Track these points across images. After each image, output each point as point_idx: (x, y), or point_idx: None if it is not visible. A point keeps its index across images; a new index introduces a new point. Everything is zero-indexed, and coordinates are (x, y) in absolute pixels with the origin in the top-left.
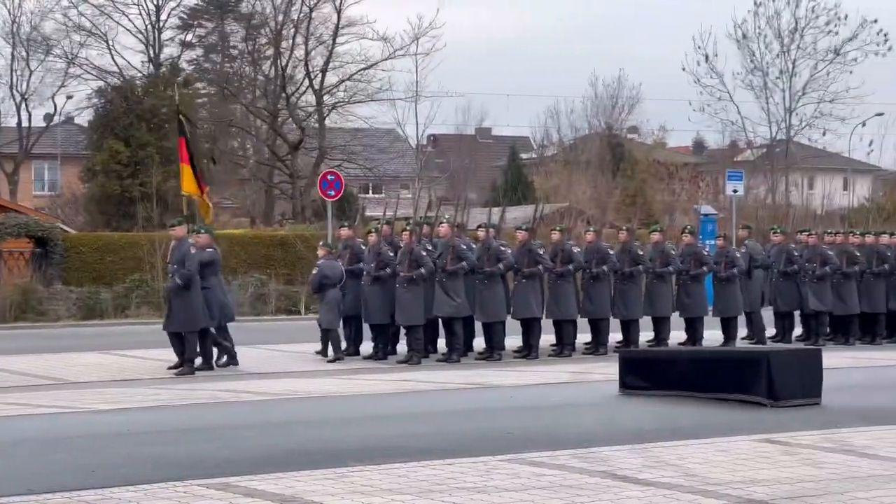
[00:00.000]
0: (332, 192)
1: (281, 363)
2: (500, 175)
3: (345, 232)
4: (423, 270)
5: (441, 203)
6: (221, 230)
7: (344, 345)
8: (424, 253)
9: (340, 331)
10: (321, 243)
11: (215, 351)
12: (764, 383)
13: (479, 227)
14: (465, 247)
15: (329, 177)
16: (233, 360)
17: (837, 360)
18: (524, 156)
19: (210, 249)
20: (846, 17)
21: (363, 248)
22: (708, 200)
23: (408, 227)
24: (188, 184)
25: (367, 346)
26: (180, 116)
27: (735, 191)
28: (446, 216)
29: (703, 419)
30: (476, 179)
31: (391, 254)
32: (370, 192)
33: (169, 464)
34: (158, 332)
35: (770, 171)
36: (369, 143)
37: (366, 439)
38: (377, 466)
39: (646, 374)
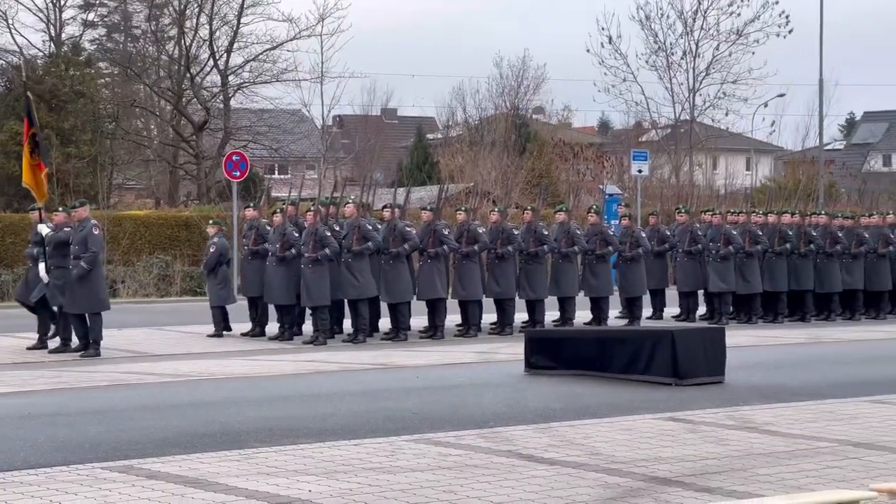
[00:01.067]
0: (238, 173)
1: (185, 345)
2: (406, 155)
3: (249, 213)
4: (327, 251)
5: (346, 183)
6: (126, 211)
7: (249, 326)
8: (329, 233)
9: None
10: (210, 222)
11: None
12: (668, 362)
13: (385, 207)
14: (370, 227)
15: (234, 157)
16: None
17: (740, 339)
18: (430, 136)
19: (67, 229)
20: None
21: (268, 228)
22: (613, 181)
23: (312, 208)
24: (27, 175)
25: (272, 327)
26: (27, 94)
27: (640, 171)
28: (352, 197)
29: (608, 398)
30: (382, 160)
31: (296, 234)
32: (276, 172)
33: (71, 447)
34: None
35: (674, 152)
36: (275, 124)
37: (270, 420)
38: (282, 447)
39: (551, 353)
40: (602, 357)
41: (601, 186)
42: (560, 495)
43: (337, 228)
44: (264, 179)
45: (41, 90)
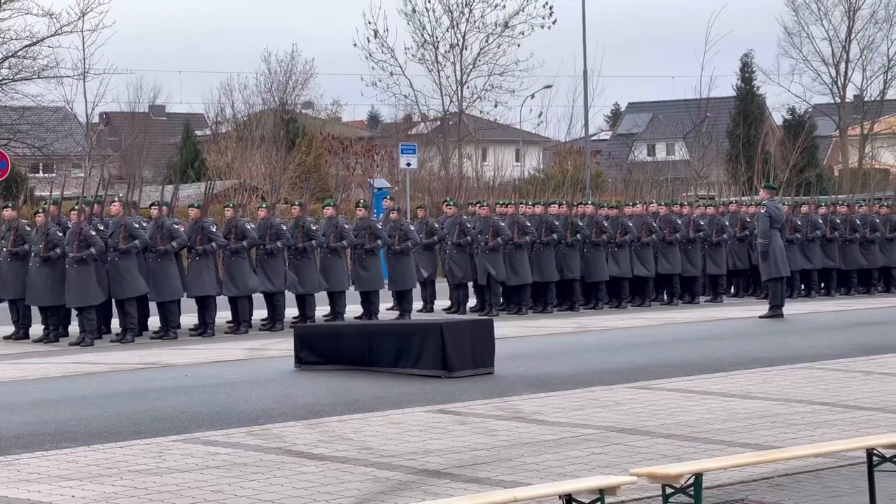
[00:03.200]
0: None
1: None
2: (175, 153)
3: (8, 213)
4: (93, 250)
5: (113, 181)
6: None
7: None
8: (94, 232)
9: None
10: None
11: None
12: (437, 355)
13: (152, 205)
14: (136, 225)
15: None
16: None
17: (510, 330)
18: (198, 133)
19: None
20: None
21: (28, 229)
22: (383, 174)
23: (76, 207)
24: None
25: (37, 329)
26: None
27: (409, 164)
28: (119, 195)
29: (377, 392)
30: (150, 157)
31: (59, 234)
32: (40, 171)
33: None
34: None
35: (443, 144)
36: (37, 122)
37: (33, 425)
38: (45, 452)
39: (321, 349)
40: (372, 351)
41: (370, 180)
42: (329, 491)
43: (101, 227)
44: (27, 178)
45: None
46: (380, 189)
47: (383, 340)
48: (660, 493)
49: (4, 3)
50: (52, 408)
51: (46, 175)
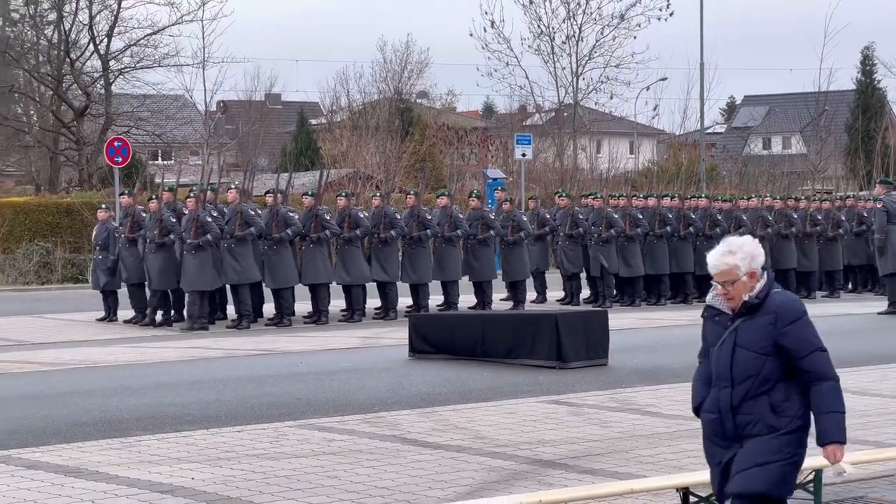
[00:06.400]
0: (120, 159)
1: (67, 332)
2: (290, 141)
3: (125, 200)
4: (209, 237)
5: (230, 169)
6: (5, 198)
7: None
8: (210, 219)
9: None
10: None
11: None
12: (552, 345)
13: (267, 193)
14: (252, 213)
15: (116, 143)
16: None
17: (623, 322)
18: (313, 121)
19: None
20: None
21: (143, 215)
22: (497, 164)
23: (192, 194)
24: None
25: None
26: None
27: (524, 154)
28: (235, 182)
29: (491, 382)
30: (266, 145)
31: (173, 220)
32: (160, 158)
33: None
34: None
35: (558, 135)
36: (157, 110)
37: (153, 408)
38: (164, 435)
39: (435, 338)
40: (485, 341)
41: (484, 170)
42: (444, 479)
43: (215, 214)
44: (147, 165)
45: None
46: (494, 179)
47: (497, 331)
48: None
49: None
50: (172, 391)
51: (165, 162)
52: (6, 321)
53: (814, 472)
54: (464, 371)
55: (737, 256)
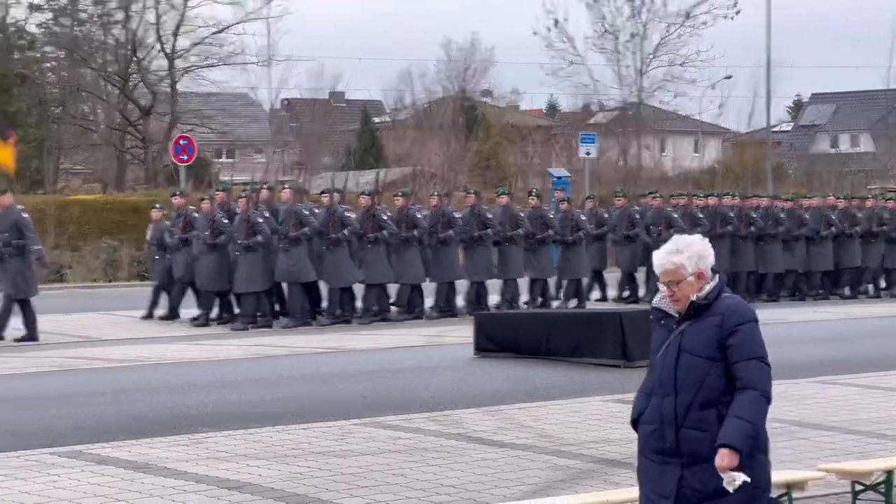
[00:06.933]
0: (185, 157)
1: (134, 329)
2: (354, 139)
3: (177, 200)
4: (259, 238)
5: (292, 168)
6: (73, 196)
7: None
8: (261, 220)
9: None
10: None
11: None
12: (617, 344)
13: (324, 192)
14: (306, 212)
15: (182, 141)
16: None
17: None
18: (377, 120)
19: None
20: None
21: (195, 215)
22: (561, 163)
23: (243, 194)
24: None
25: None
26: None
27: (588, 153)
28: (287, 182)
29: (556, 381)
30: (330, 143)
31: (225, 220)
32: (224, 156)
33: (19, 432)
34: None
35: (622, 134)
36: (222, 108)
37: (220, 405)
38: (232, 432)
39: (499, 337)
40: (550, 340)
41: (549, 169)
42: (510, 477)
43: (266, 215)
44: (212, 163)
45: None
46: (559, 178)
47: (562, 329)
48: (848, 489)
49: None
50: (237, 388)
51: (229, 160)
52: (75, 318)
53: (885, 474)
54: (529, 369)
55: (683, 255)
